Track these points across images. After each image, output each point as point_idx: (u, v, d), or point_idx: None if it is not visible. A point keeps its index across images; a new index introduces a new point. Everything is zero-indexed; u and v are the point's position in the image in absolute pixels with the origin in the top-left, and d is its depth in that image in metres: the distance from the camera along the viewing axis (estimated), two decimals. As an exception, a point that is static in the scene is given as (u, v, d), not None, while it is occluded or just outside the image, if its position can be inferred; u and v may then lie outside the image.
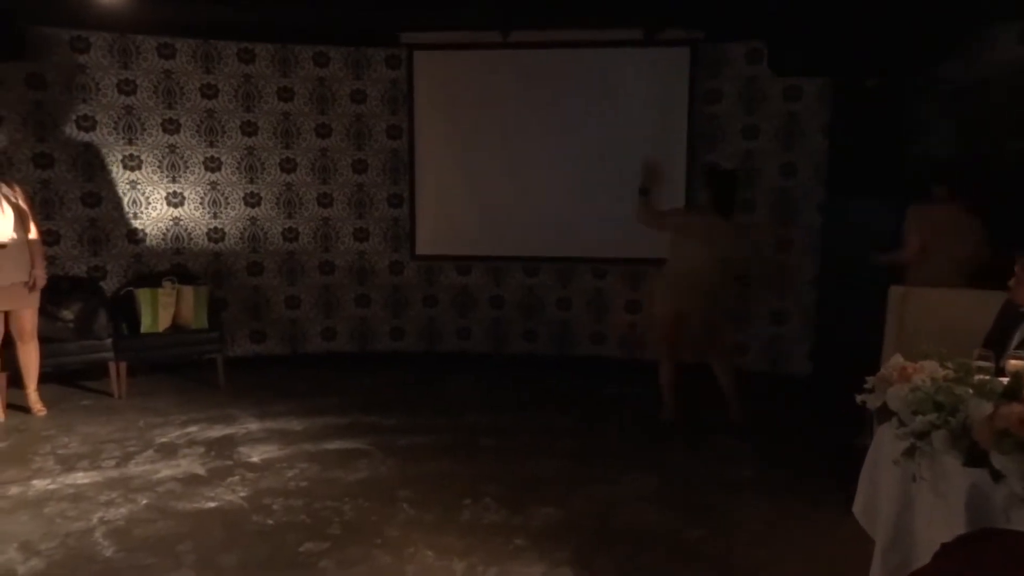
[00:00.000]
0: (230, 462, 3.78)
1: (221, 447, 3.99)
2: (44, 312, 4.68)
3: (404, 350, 6.04)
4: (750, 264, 5.17)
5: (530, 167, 5.61)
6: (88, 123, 5.29)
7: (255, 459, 3.83)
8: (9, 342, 4.39)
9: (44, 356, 4.65)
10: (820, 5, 4.56)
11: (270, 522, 3.13)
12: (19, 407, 4.52)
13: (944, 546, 1.69)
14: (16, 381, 4.49)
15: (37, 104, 5.15)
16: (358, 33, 5.60)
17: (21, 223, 4.28)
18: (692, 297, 4.32)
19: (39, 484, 3.47)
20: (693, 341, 4.52)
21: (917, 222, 3.93)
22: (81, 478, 3.55)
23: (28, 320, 4.38)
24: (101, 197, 5.39)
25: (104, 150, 5.35)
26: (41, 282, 4.39)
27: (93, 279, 5.31)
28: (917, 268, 3.89)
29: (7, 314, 4.34)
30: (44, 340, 4.64)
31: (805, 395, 5.13)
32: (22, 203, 4.31)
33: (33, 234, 4.35)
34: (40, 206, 5.21)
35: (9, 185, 4.35)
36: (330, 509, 3.25)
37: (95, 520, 3.11)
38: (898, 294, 3.27)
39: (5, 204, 4.23)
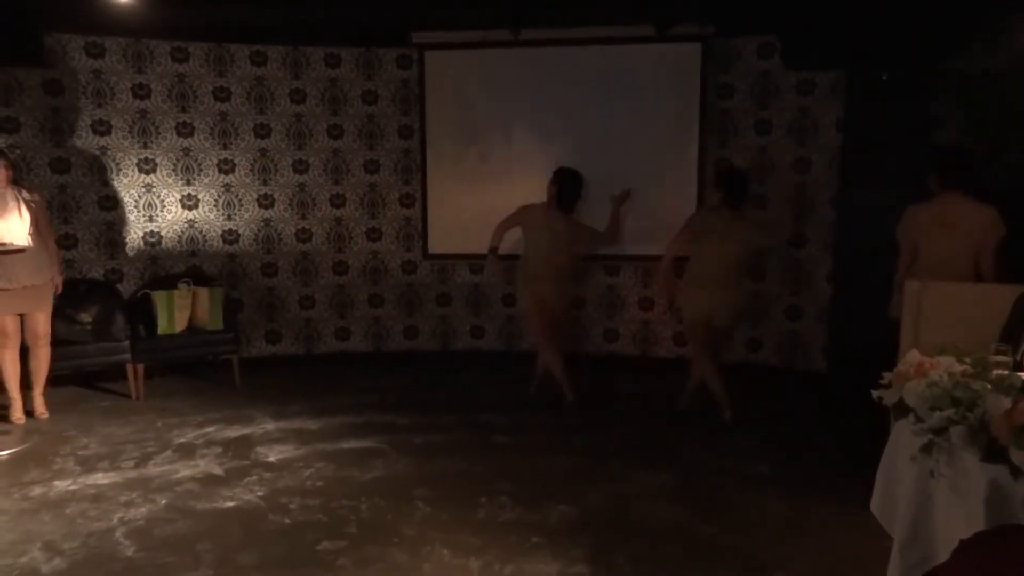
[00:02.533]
0: (247, 462, 3.82)
1: (238, 447, 4.03)
2: (62, 315, 4.74)
3: (418, 349, 6.06)
4: (773, 252, 5.22)
5: (542, 165, 5.60)
6: (103, 127, 5.34)
7: (272, 459, 3.86)
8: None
9: (62, 359, 4.72)
10: (833, -2, 4.53)
11: (287, 521, 3.16)
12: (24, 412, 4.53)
13: (963, 543, 1.68)
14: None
15: (54, 110, 5.21)
16: (369, 34, 5.62)
17: (37, 229, 4.33)
18: (715, 295, 4.33)
19: (60, 485, 3.51)
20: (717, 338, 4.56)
21: (903, 226, 3.76)
22: (101, 479, 3.59)
23: (41, 323, 4.43)
24: (117, 200, 5.45)
25: (119, 154, 5.41)
26: (58, 288, 4.51)
27: (110, 282, 5.37)
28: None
29: (21, 319, 4.38)
30: (62, 343, 4.70)
31: (821, 391, 5.10)
32: (40, 210, 4.36)
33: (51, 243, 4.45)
34: (57, 210, 5.28)
35: (29, 191, 4.41)
36: (347, 508, 3.27)
37: (116, 520, 3.15)
38: (914, 288, 3.24)
39: (23, 209, 4.29)
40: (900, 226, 3.78)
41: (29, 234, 4.28)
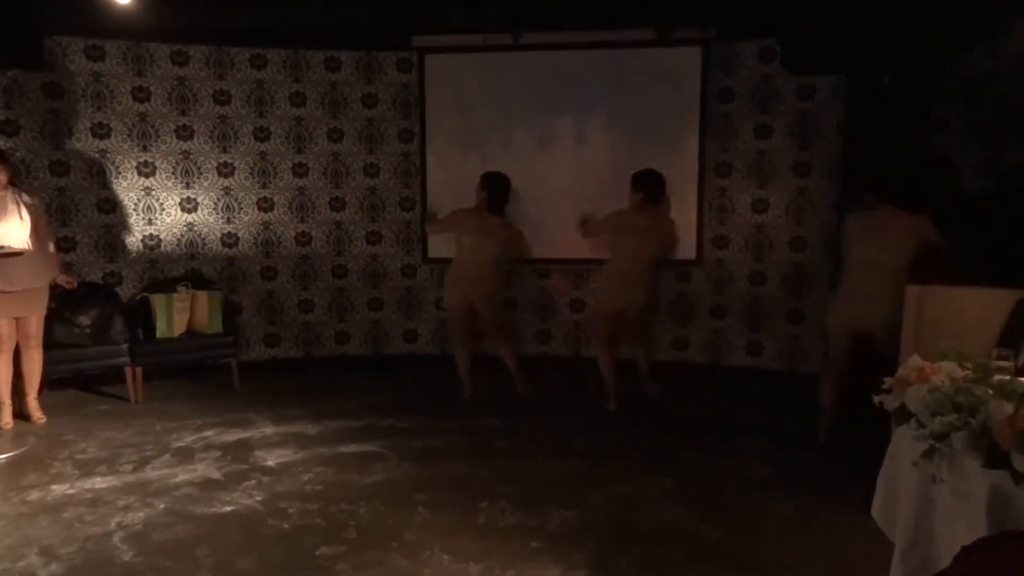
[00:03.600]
0: (246, 466, 3.81)
1: (237, 451, 4.02)
2: (61, 318, 4.74)
3: (417, 352, 6.05)
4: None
5: (541, 169, 5.61)
6: (103, 131, 5.34)
7: (271, 463, 3.85)
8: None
9: (61, 362, 4.71)
10: (833, 1, 4.52)
11: (286, 526, 3.14)
12: (19, 415, 4.52)
13: (965, 548, 1.67)
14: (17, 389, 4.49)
15: (54, 112, 5.21)
16: (369, 37, 5.62)
17: (36, 232, 4.32)
18: (630, 290, 4.64)
19: (58, 489, 3.50)
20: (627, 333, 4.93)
21: (846, 232, 4.07)
22: (99, 483, 3.58)
23: (35, 326, 4.41)
24: (116, 204, 5.44)
25: (119, 157, 5.41)
26: (70, 285, 4.55)
27: (109, 285, 5.36)
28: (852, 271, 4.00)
29: (16, 321, 4.36)
30: (61, 346, 4.70)
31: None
32: (39, 212, 4.36)
33: (51, 247, 4.42)
34: (56, 213, 5.27)
35: (29, 194, 4.40)
36: (346, 512, 3.26)
37: (113, 524, 3.14)
38: (914, 293, 3.24)
39: (23, 212, 4.28)
40: (843, 237, 4.13)
41: (28, 237, 4.28)
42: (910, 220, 3.81)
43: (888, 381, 2.30)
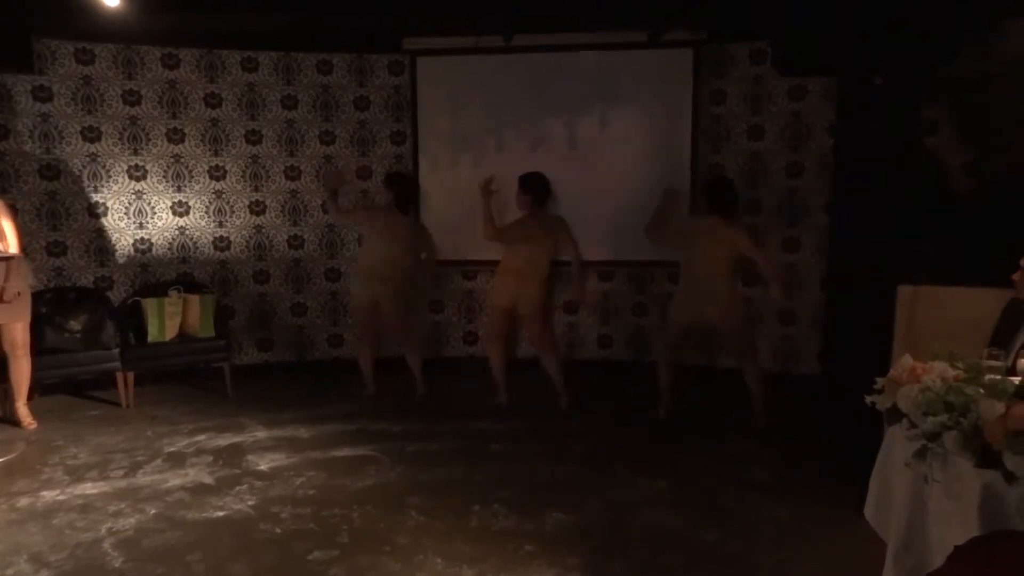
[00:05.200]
0: (238, 471, 3.79)
1: (229, 456, 4.00)
2: (52, 323, 4.70)
3: (411, 356, 6.02)
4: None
5: (536, 171, 5.60)
6: (93, 134, 5.31)
7: (263, 467, 3.83)
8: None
9: (52, 367, 4.68)
10: (825, 3, 4.54)
11: (279, 531, 3.13)
12: (9, 421, 4.49)
13: (958, 548, 1.67)
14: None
15: (44, 116, 5.17)
16: (361, 40, 5.61)
17: (5, 237, 4.20)
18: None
19: (48, 495, 3.47)
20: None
21: (681, 223, 4.70)
22: (90, 488, 3.55)
23: (20, 333, 4.33)
24: (107, 207, 5.41)
25: (110, 160, 5.38)
26: (8, 295, 4.09)
27: (100, 289, 5.33)
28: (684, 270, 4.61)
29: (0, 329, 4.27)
30: (52, 351, 4.66)
31: (815, 396, 5.10)
32: (4, 218, 4.25)
33: (14, 248, 4.24)
34: (47, 217, 5.24)
35: None
36: (339, 517, 3.24)
37: (104, 531, 3.11)
38: (907, 293, 3.25)
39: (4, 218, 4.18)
40: (673, 224, 4.81)
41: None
42: (732, 228, 4.41)
43: (880, 381, 2.30)
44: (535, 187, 4.78)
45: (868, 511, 2.48)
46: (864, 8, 4.45)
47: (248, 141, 5.65)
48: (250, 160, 5.67)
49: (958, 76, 4.49)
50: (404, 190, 5.11)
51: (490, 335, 4.98)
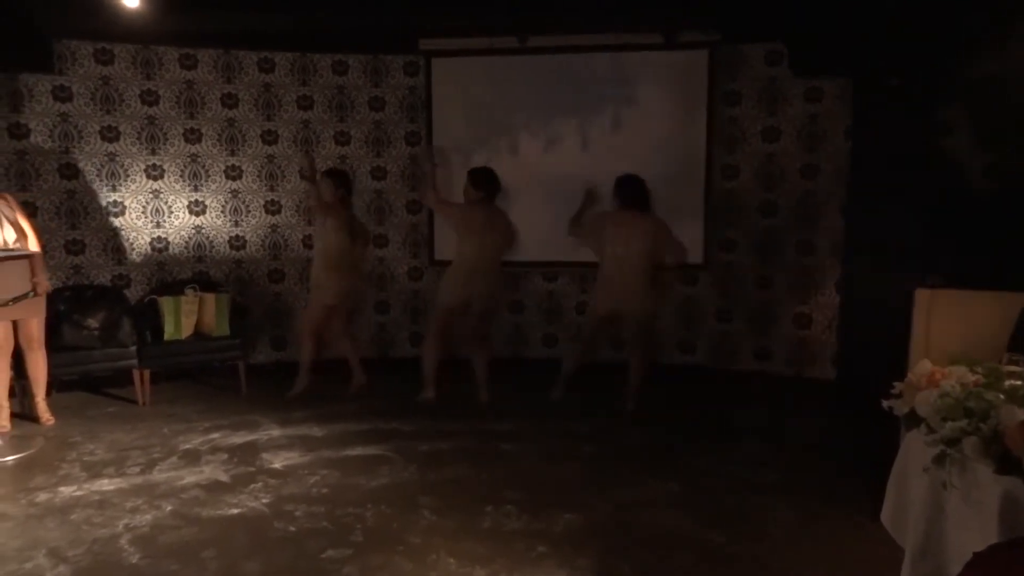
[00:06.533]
0: (253, 468, 3.81)
1: (244, 453, 4.02)
2: (69, 320, 4.75)
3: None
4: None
5: (548, 172, 5.61)
6: (112, 134, 5.37)
7: (277, 465, 3.85)
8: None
9: (70, 364, 4.73)
10: (841, 4, 4.51)
11: (292, 529, 3.14)
12: (29, 417, 4.53)
13: (976, 555, 1.66)
14: (14, 392, 4.47)
15: (63, 116, 5.23)
16: (377, 40, 5.64)
17: (22, 235, 4.23)
18: (477, 282, 4.72)
19: (66, 490, 3.51)
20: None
21: (597, 219, 4.73)
22: (107, 485, 3.59)
23: (35, 329, 4.35)
24: (125, 206, 5.47)
25: (127, 160, 5.43)
26: (42, 289, 4.29)
27: (117, 287, 5.39)
28: (600, 264, 4.74)
29: (15, 324, 4.30)
30: (70, 348, 4.71)
31: (830, 400, 5.06)
32: (20, 215, 4.29)
33: (34, 245, 4.29)
34: (66, 216, 5.31)
35: (3, 198, 4.30)
36: (352, 516, 3.26)
37: (121, 527, 3.14)
38: (925, 297, 3.22)
39: (3, 218, 4.22)
40: (590, 220, 4.80)
41: (14, 242, 4.20)
42: (649, 220, 4.61)
43: (898, 386, 2.29)
44: (489, 183, 4.79)
45: (885, 516, 2.46)
46: (880, 9, 4.41)
47: (264, 141, 5.69)
48: (266, 160, 5.71)
49: (975, 77, 4.45)
50: (348, 185, 5.04)
51: (431, 332, 4.97)
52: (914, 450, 2.24)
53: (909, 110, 4.73)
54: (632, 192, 4.64)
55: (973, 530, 1.88)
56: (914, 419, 2.16)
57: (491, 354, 5.07)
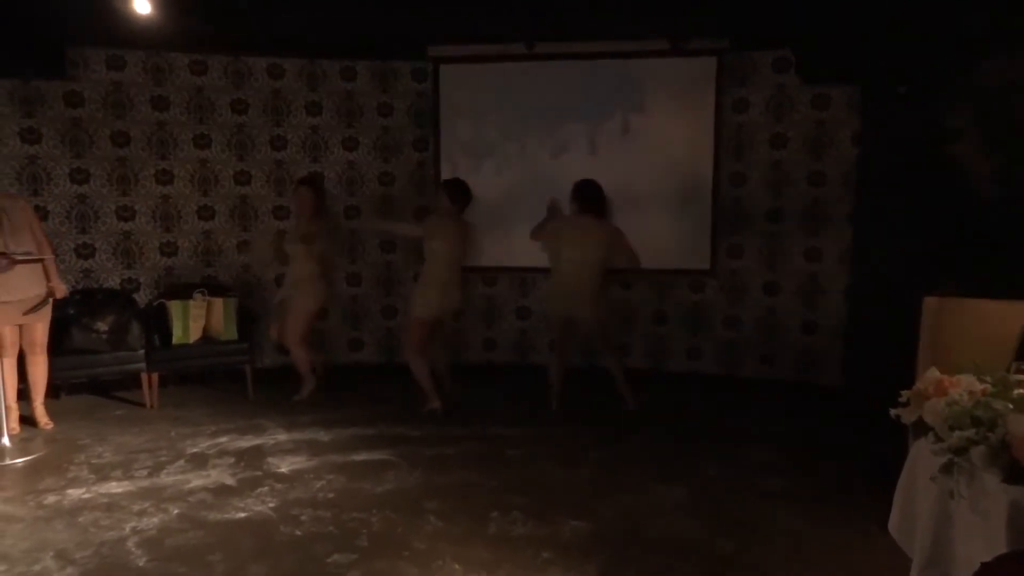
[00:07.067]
0: (259, 472, 3.82)
1: (250, 457, 4.03)
2: (79, 323, 4.78)
3: (430, 361, 6.04)
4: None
5: (557, 179, 5.61)
6: (123, 139, 5.41)
7: (284, 470, 3.86)
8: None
9: (78, 367, 4.75)
10: (849, 11, 4.51)
11: (298, 533, 3.15)
12: (33, 421, 4.52)
13: (984, 565, 1.65)
14: (23, 394, 4.47)
15: (75, 121, 5.28)
16: (385, 47, 5.67)
17: (33, 239, 4.25)
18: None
19: (74, 493, 3.53)
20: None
21: (550, 228, 4.76)
22: (114, 487, 3.60)
23: (40, 333, 4.37)
24: (135, 211, 5.50)
25: (138, 165, 5.47)
26: (60, 294, 4.36)
27: (126, 291, 5.42)
28: (554, 268, 4.76)
29: (20, 328, 4.31)
30: (78, 351, 4.74)
31: (837, 407, 5.04)
32: (32, 219, 4.30)
33: (46, 251, 4.30)
34: (76, 220, 5.35)
35: (12, 198, 4.33)
36: (358, 520, 3.26)
37: (128, 529, 3.16)
38: (933, 305, 3.21)
39: (8, 221, 4.23)
40: (549, 224, 4.81)
41: (26, 246, 4.23)
42: (603, 226, 4.67)
43: (906, 394, 2.27)
44: (465, 196, 4.81)
45: (892, 525, 2.44)
46: (887, 16, 4.41)
47: (273, 147, 5.72)
48: (274, 165, 5.74)
49: (983, 84, 4.43)
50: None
51: (414, 347, 4.83)
52: (922, 459, 2.23)
53: (917, 117, 4.72)
54: (590, 197, 4.68)
55: (980, 540, 1.87)
56: (922, 427, 2.15)
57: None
